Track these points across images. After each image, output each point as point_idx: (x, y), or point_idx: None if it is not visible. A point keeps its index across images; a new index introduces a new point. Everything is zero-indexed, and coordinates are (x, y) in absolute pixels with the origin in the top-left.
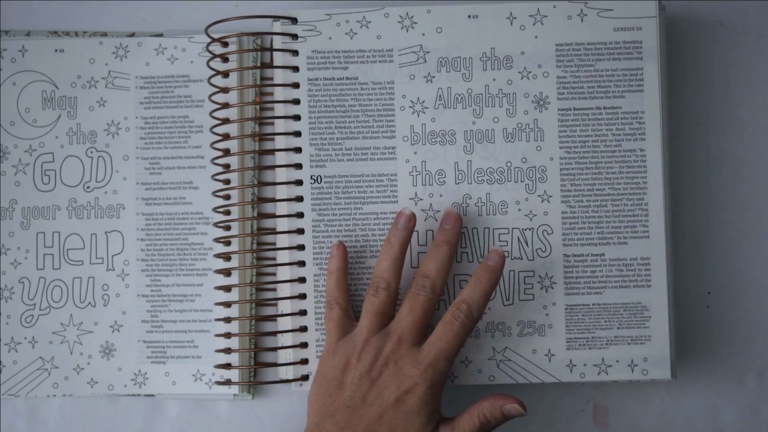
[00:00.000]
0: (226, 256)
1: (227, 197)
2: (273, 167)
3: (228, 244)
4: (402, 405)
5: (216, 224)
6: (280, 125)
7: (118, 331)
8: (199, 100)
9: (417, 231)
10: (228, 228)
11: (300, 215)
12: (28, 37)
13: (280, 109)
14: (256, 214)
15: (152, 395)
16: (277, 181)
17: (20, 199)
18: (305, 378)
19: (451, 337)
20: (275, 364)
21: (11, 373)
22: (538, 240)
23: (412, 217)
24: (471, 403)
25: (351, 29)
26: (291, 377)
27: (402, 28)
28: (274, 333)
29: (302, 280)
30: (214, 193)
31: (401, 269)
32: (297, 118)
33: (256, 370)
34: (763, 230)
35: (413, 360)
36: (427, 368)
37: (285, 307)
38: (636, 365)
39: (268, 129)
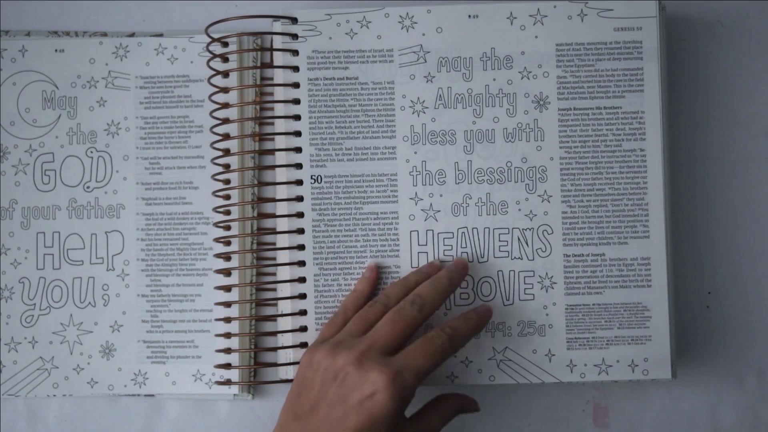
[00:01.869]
0: (226, 256)
1: (227, 197)
2: (273, 167)
3: (228, 244)
4: (363, 410)
5: (216, 224)
6: (280, 125)
7: (118, 331)
8: (199, 100)
9: (417, 231)
10: (228, 228)
11: (300, 215)
12: (28, 37)
13: (280, 109)
14: (256, 214)
15: (152, 395)
16: (277, 181)
17: (20, 199)
18: None
19: (428, 354)
20: (275, 364)
21: (11, 373)
22: (538, 240)
23: (438, 267)
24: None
25: (351, 29)
26: (291, 377)
27: (402, 28)
28: (274, 333)
29: (302, 280)
30: (214, 193)
31: (405, 297)
32: (297, 117)
33: (256, 370)
34: (763, 230)
35: (381, 366)
36: (395, 377)
37: (285, 307)
38: (636, 365)
39: (268, 129)
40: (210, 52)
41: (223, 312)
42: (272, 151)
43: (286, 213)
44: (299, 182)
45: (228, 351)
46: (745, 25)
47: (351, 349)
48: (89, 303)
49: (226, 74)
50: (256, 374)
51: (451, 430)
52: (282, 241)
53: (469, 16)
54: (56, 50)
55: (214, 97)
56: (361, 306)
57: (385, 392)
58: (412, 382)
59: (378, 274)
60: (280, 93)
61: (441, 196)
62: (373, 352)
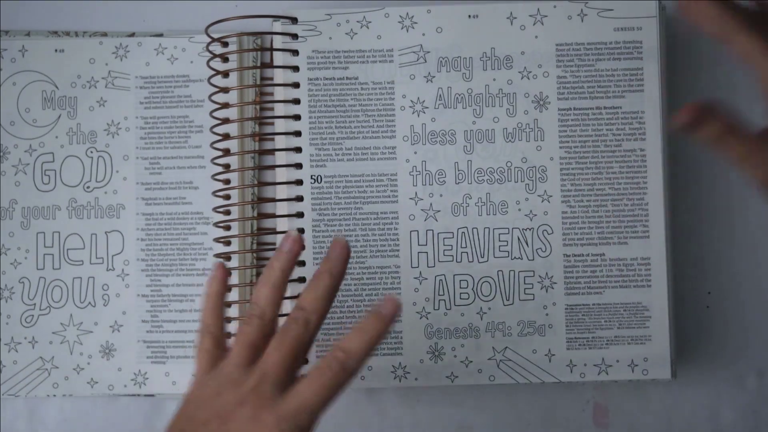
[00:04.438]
0: (226, 256)
1: (227, 197)
2: (273, 167)
3: (228, 244)
4: None
5: (216, 224)
6: (280, 125)
7: (118, 331)
8: (199, 100)
9: (417, 231)
10: (228, 228)
11: (300, 215)
12: (28, 37)
13: (280, 109)
14: (256, 214)
15: (152, 395)
16: (277, 181)
17: (20, 199)
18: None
19: (319, 389)
20: None
21: (11, 373)
22: (538, 240)
23: (298, 240)
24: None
25: (351, 29)
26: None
27: (402, 28)
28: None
29: (302, 279)
30: (214, 193)
31: (281, 297)
32: (297, 117)
33: None
34: (763, 230)
35: (272, 407)
36: (287, 420)
37: (285, 306)
38: (636, 365)
39: (268, 129)
40: (210, 52)
41: None
42: (272, 151)
43: (286, 213)
44: (299, 182)
45: None
46: None
47: (239, 388)
48: (89, 303)
49: (226, 74)
50: None
51: (450, 430)
52: None
53: (469, 16)
54: (56, 50)
55: (214, 97)
56: (219, 313)
57: None
58: (306, 423)
59: (226, 270)
60: (280, 93)
61: (441, 196)
62: (264, 389)
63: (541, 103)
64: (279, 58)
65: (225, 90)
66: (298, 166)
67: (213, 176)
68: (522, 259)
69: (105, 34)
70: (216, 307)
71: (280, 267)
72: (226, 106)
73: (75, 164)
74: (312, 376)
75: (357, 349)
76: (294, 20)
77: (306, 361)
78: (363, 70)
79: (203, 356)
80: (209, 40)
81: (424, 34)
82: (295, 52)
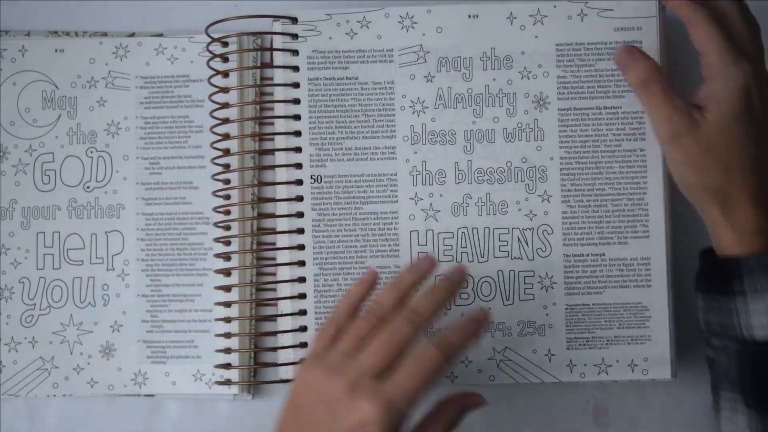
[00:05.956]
0: (226, 256)
1: (227, 197)
2: (273, 167)
3: (228, 244)
4: None
5: (216, 224)
6: (280, 125)
7: (118, 331)
8: (199, 100)
9: (417, 231)
10: (228, 228)
11: (300, 215)
12: (28, 37)
13: (280, 109)
14: (256, 214)
15: (152, 395)
16: (277, 180)
17: (20, 199)
18: None
19: (420, 375)
20: (275, 364)
21: (11, 373)
22: (538, 240)
23: (433, 264)
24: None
25: (351, 29)
26: (291, 377)
27: (402, 28)
28: (274, 333)
29: (302, 279)
30: (214, 193)
31: (403, 305)
32: (297, 117)
33: (256, 370)
34: None
35: (371, 395)
36: (387, 407)
37: (285, 307)
38: (636, 365)
39: (268, 129)
40: (210, 52)
41: (223, 312)
42: (272, 151)
43: (286, 213)
44: (299, 182)
45: (228, 351)
46: None
47: (343, 375)
48: (89, 303)
49: (226, 74)
50: (256, 374)
51: None
52: (282, 241)
53: (469, 16)
54: (56, 50)
55: (214, 97)
56: (355, 311)
57: (377, 424)
58: (406, 409)
59: (376, 279)
60: (280, 93)
61: (441, 196)
62: (365, 378)
63: (541, 103)
64: (279, 58)
65: (225, 90)
66: (298, 166)
67: (213, 176)
68: (522, 259)
69: (105, 34)
70: (353, 305)
71: (411, 280)
72: (226, 106)
73: (75, 164)
74: (412, 363)
75: (457, 343)
76: (294, 20)
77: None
78: (363, 70)
79: (322, 337)
80: (209, 40)
81: (424, 34)
82: (295, 52)
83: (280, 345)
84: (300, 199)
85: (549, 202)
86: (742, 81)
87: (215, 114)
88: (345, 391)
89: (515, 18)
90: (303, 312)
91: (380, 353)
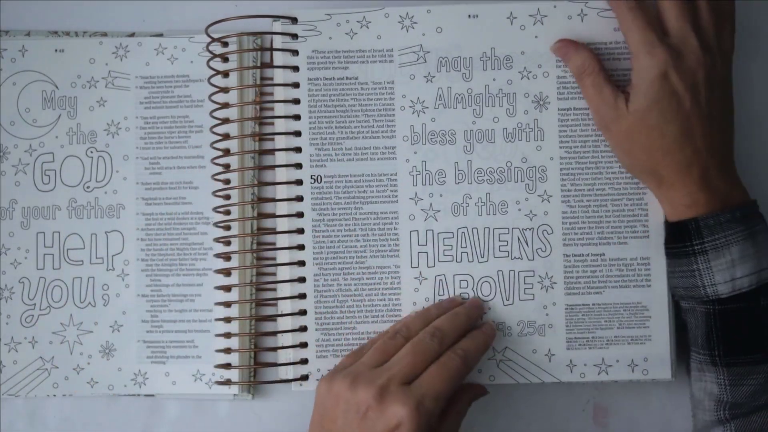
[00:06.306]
0: (226, 256)
1: (227, 197)
2: (273, 167)
3: (228, 244)
4: None
5: (216, 224)
6: (280, 125)
7: (118, 331)
8: (199, 100)
9: (417, 231)
10: (228, 228)
11: (300, 215)
12: (28, 37)
13: (280, 109)
14: (256, 214)
15: (152, 395)
16: (277, 180)
17: (20, 199)
18: (305, 378)
19: (445, 378)
20: (275, 364)
21: (11, 373)
22: (538, 240)
23: (480, 307)
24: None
25: (351, 29)
26: (291, 377)
27: (402, 28)
28: (274, 333)
29: (302, 279)
30: (214, 193)
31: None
32: (297, 117)
33: (256, 370)
34: None
35: (402, 398)
36: (417, 407)
37: (285, 307)
38: (636, 365)
39: (268, 129)
40: (210, 52)
41: (223, 312)
42: (272, 151)
43: (286, 213)
44: (299, 182)
45: (228, 351)
46: (745, 25)
47: (371, 383)
48: (89, 303)
49: (226, 74)
50: (255, 374)
51: None
52: (282, 241)
53: (469, 16)
54: (56, 50)
55: (214, 97)
56: (421, 328)
57: (410, 423)
58: (434, 408)
59: (478, 312)
60: (280, 93)
61: (441, 196)
62: (394, 384)
63: (541, 103)
64: (279, 58)
65: (225, 90)
66: (298, 166)
67: (213, 176)
68: (522, 259)
69: (105, 34)
70: (426, 323)
71: (436, 313)
72: (226, 106)
73: (75, 164)
74: (436, 368)
75: (473, 351)
76: (294, 20)
77: None
78: (363, 70)
79: (349, 357)
80: (209, 40)
81: (424, 34)
82: (295, 52)
83: (280, 345)
84: (300, 199)
85: (549, 202)
86: (655, 70)
87: (215, 114)
88: (375, 397)
89: (515, 18)
90: (303, 312)
91: (407, 361)
